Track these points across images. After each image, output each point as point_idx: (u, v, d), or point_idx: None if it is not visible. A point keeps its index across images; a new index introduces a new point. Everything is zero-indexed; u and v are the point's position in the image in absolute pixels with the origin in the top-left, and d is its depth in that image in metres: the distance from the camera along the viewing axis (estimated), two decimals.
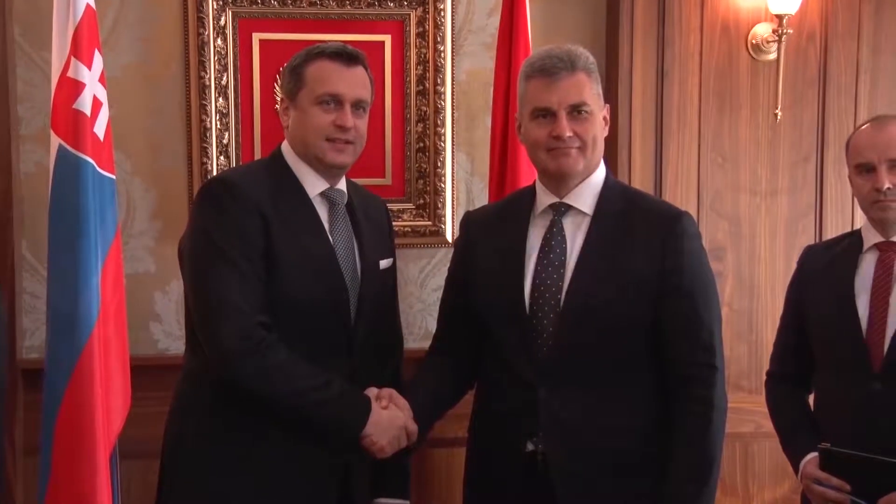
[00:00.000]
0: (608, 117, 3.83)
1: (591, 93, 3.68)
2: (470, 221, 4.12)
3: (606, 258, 3.67)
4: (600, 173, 3.80)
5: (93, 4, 4.75)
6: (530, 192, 3.91)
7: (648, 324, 3.67)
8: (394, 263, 4.07)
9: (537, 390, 3.63)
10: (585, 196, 3.75)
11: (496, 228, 3.92)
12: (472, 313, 3.90)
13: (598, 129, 3.72)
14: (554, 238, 3.73)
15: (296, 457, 3.65)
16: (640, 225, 3.72)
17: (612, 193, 3.80)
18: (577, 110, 3.63)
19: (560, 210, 3.76)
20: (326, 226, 3.79)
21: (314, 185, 3.78)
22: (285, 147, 3.85)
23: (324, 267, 3.72)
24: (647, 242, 3.67)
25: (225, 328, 3.52)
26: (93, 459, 4.68)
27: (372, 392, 3.69)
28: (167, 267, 5.34)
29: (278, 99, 3.69)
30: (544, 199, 3.80)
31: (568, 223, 3.75)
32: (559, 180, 3.73)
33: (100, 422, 4.71)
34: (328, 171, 3.78)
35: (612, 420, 3.64)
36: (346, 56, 3.73)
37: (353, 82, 3.72)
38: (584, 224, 3.73)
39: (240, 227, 3.58)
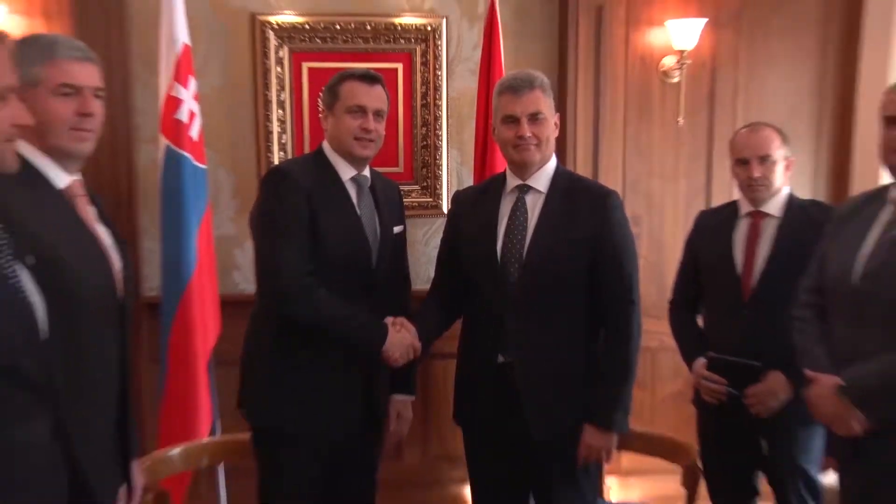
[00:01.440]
0: (558, 123, 3.92)
1: (545, 105, 3.77)
2: (458, 198, 4.21)
3: (556, 224, 3.77)
4: (552, 163, 3.89)
5: (189, 42, 5.00)
6: (502, 176, 3.97)
7: (586, 271, 3.76)
8: (404, 229, 4.08)
9: (506, 319, 3.76)
10: (541, 179, 3.83)
11: (477, 203, 3.98)
12: (459, 264, 3.98)
13: (551, 131, 3.82)
14: (518, 209, 3.83)
15: (333, 367, 3.75)
16: (580, 200, 3.81)
17: (561, 177, 3.89)
18: (534, 117, 3.73)
19: (523, 189, 3.84)
20: (355, 202, 3.82)
21: (346, 172, 3.82)
22: (325, 145, 3.87)
23: (352, 231, 3.78)
24: (586, 213, 3.77)
25: (282, 277, 3.65)
26: (194, 366, 5.01)
27: (388, 320, 3.77)
28: (243, 231, 5.39)
29: (320, 110, 3.82)
30: (512, 181, 3.88)
31: (528, 199, 3.84)
32: (522, 168, 3.81)
33: (198, 339, 5.03)
34: (356, 161, 3.83)
35: (559, 339, 3.77)
36: (369, 78, 3.80)
37: (374, 97, 3.77)
38: (540, 200, 3.82)
39: (291, 205, 3.67)
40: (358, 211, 3.83)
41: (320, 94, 3.86)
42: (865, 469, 3.37)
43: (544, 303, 3.77)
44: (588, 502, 3.99)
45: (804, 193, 4.95)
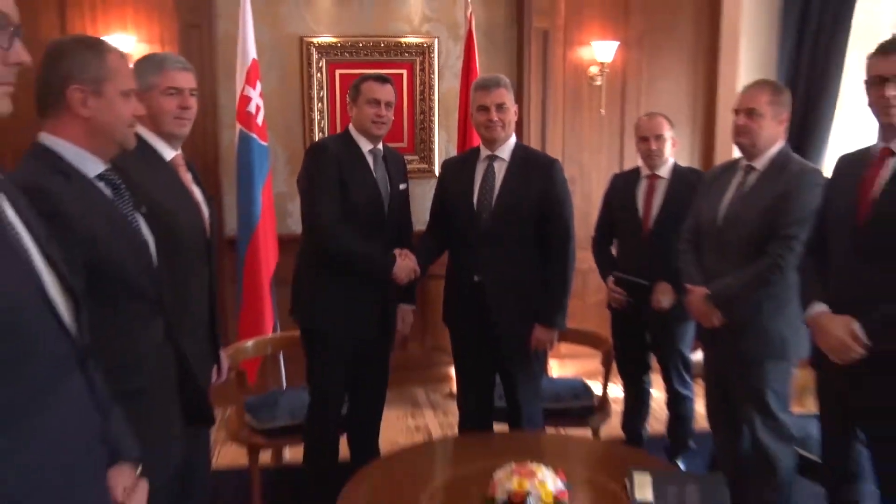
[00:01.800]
0: (517, 111, 3.84)
1: (507, 97, 3.73)
2: (445, 165, 4.16)
3: (516, 183, 3.74)
4: (512, 139, 3.82)
5: (256, 57, 5.04)
6: (477, 149, 3.92)
7: (537, 217, 3.73)
8: (407, 187, 4.00)
9: (479, 251, 3.75)
10: (505, 151, 3.78)
11: (459, 167, 3.94)
12: (446, 212, 3.93)
13: (511, 117, 3.77)
14: (489, 172, 3.80)
15: (356, 285, 3.72)
16: (533, 166, 3.79)
17: (519, 150, 3.84)
18: (500, 107, 3.70)
19: (492, 158, 3.80)
20: (371, 167, 3.78)
21: (365, 146, 3.77)
22: (351, 127, 3.81)
23: (369, 188, 3.75)
24: (537, 175, 3.75)
25: (320, 221, 3.66)
26: (261, 285, 5.06)
27: (396, 251, 3.74)
28: (293, 190, 5.20)
29: (348, 103, 3.78)
30: (484, 153, 3.83)
31: (496, 165, 3.80)
32: (491, 143, 3.78)
33: (263, 266, 5.07)
34: (373, 138, 3.78)
35: (517, 264, 3.76)
36: (382, 79, 3.76)
37: (385, 92, 3.72)
38: (504, 166, 3.78)
39: (326, 169, 3.66)
40: (374, 174, 3.79)
41: (348, 91, 3.86)
42: (720, 349, 3.50)
43: (507, 239, 3.74)
44: (537, 378, 4.03)
45: (684, 162, 4.99)
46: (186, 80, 2.98)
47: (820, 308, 2.89)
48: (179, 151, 3.02)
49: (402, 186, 3.94)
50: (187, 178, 3.02)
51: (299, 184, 3.90)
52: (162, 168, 2.90)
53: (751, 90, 3.36)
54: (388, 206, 3.84)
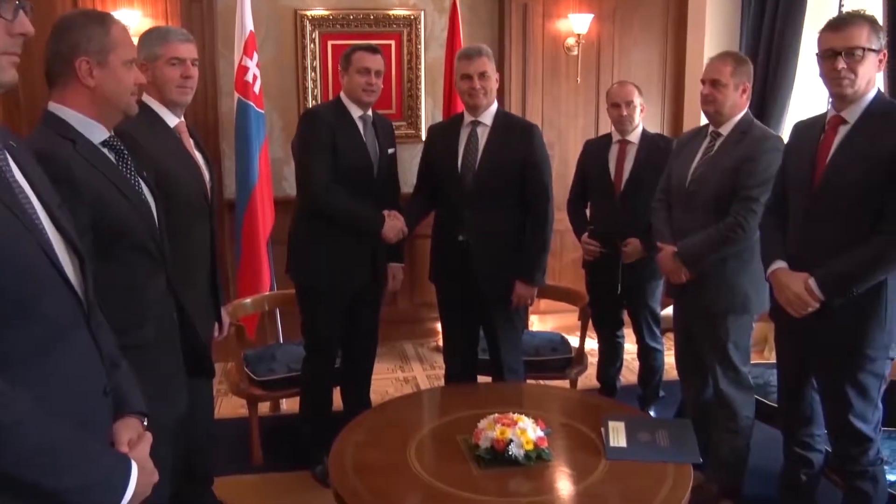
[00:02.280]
0: (498, 79, 3.82)
1: (489, 66, 3.70)
2: (431, 130, 4.14)
3: (497, 147, 3.73)
4: (494, 106, 3.80)
5: (253, 29, 4.99)
6: (461, 115, 3.89)
7: (519, 178, 3.73)
8: (395, 151, 3.97)
9: (463, 211, 3.75)
10: (487, 117, 3.76)
11: (444, 132, 3.93)
12: (432, 175, 3.94)
13: (493, 84, 3.74)
14: (472, 137, 3.78)
15: (348, 243, 3.72)
16: (513, 131, 3.78)
17: (501, 116, 3.82)
18: (482, 75, 3.67)
19: (475, 124, 3.77)
20: (361, 132, 3.74)
21: (356, 112, 3.73)
22: (342, 94, 3.77)
23: (359, 152, 3.72)
24: (517, 139, 3.74)
25: (313, 182, 3.66)
26: (259, 244, 5.03)
27: (385, 212, 3.71)
28: (288, 155, 5.23)
29: (340, 71, 3.73)
30: (467, 118, 3.80)
31: (479, 130, 3.77)
32: (474, 109, 3.75)
33: (260, 226, 5.04)
34: (363, 105, 3.73)
35: (499, 224, 3.75)
36: (371, 49, 3.72)
37: (375, 62, 3.68)
38: (487, 131, 3.76)
39: (318, 134, 3.65)
40: (364, 138, 3.76)
41: (339, 61, 3.83)
42: (687, 303, 3.53)
43: (489, 200, 3.73)
44: (518, 332, 4.05)
45: (653, 128, 5.00)
46: (188, 50, 3.01)
47: (779, 265, 2.93)
48: (182, 119, 3.05)
49: (390, 151, 3.92)
50: (190, 143, 3.07)
51: (293, 148, 3.91)
52: (166, 134, 2.95)
53: (715, 62, 3.39)
54: (377, 169, 3.81)
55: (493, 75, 3.77)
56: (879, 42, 2.70)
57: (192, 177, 2.95)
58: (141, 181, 2.28)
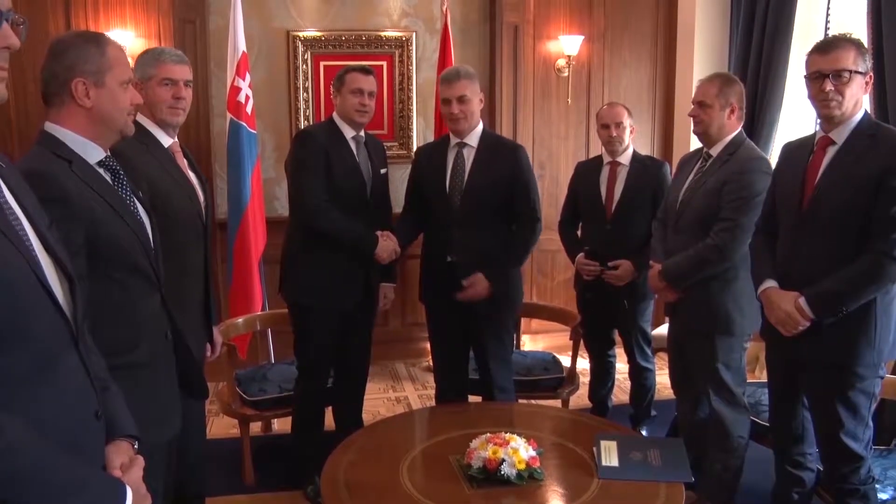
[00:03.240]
0: (482, 98, 3.80)
1: (469, 88, 3.66)
2: (419, 151, 4.13)
3: (485, 167, 3.73)
4: (480, 127, 3.79)
5: (245, 50, 5.03)
6: (447, 137, 3.88)
7: (506, 198, 3.74)
8: (387, 171, 3.98)
9: (452, 230, 3.74)
10: (473, 138, 3.75)
11: (432, 154, 3.92)
12: (420, 195, 3.93)
13: (475, 106, 3.71)
14: (459, 158, 3.78)
15: (341, 263, 3.71)
16: (499, 151, 3.78)
17: (486, 136, 3.83)
18: (460, 99, 3.65)
19: (461, 145, 3.77)
20: (354, 153, 3.74)
21: (349, 133, 3.73)
22: (335, 115, 3.77)
23: (352, 172, 3.73)
24: (503, 160, 3.75)
25: (307, 202, 3.66)
26: (251, 264, 5.06)
27: (378, 232, 3.71)
28: (280, 175, 5.25)
29: (332, 93, 3.77)
30: (454, 140, 3.79)
31: (465, 151, 3.77)
32: (458, 133, 3.75)
33: (252, 246, 5.06)
34: (356, 125, 3.74)
35: (488, 244, 3.74)
36: (365, 70, 3.73)
37: (368, 83, 3.69)
38: (473, 152, 3.76)
39: (312, 154, 3.64)
40: (357, 159, 3.77)
41: (332, 82, 3.83)
42: (678, 322, 3.56)
43: (478, 221, 3.74)
44: (508, 352, 4.04)
45: (643, 149, 5.04)
46: (181, 72, 3.03)
47: (770, 284, 2.96)
48: (176, 139, 3.06)
49: (382, 171, 3.92)
50: (184, 163, 3.07)
51: (287, 168, 3.90)
52: (161, 154, 2.96)
53: (703, 83, 3.42)
54: (370, 189, 3.81)
55: (475, 97, 3.75)
56: (865, 64, 2.75)
57: (187, 196, 2.96)
58: (136, 201, 2.28)
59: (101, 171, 2.18)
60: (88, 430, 1.55)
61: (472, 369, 4.11)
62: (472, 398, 4.11)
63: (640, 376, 4.49)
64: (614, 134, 4.25)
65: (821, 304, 2.76)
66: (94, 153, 2.16)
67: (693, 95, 3.47)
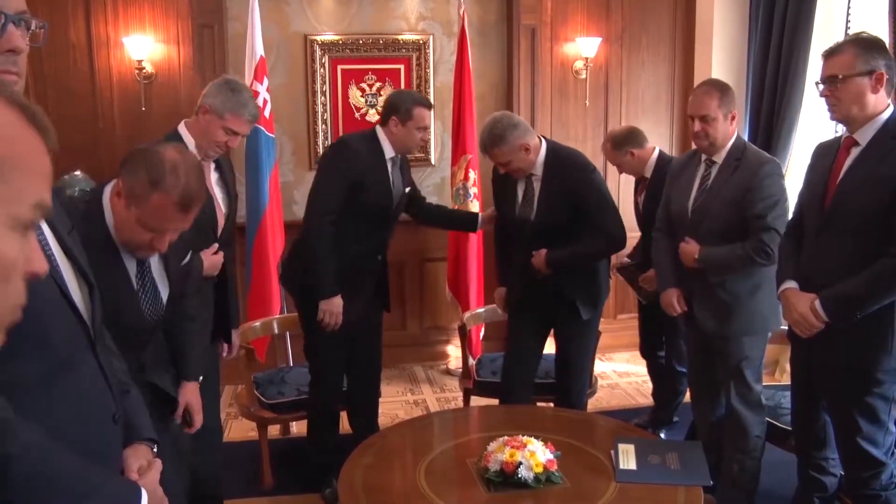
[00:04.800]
0: (529, 147, 3.60)
1: (502, 155, 3.59)
2: (495, 170, 3.89)
3: (552, 199, 3.64)
4: (541, 156, 3.67)
5: (263, 55, 5.01)
6: None
7: (576, 216, 3.62)
8: (411, 190, 3.96)
9: (530, 251, 3.71)
10: (537, 168, 3.67)
11: (504, 182, 3.83)
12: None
13: (520, 161, 3.62)
14: (528, 188, 3.70)
15: (353, 265, 3.69)
16: (563, 176, 3.63)
17: (550, 159, 3.68)
18: (503, 164, 3.65)
19: (529, 176, 3.70)
20: (390, 172, 3.71)
21: (389, 152, 3.67)
22: (379, 131, 3.70)
23: (384, 191, 3.69)
24: (568, 187, 3.61)
25: (313, 215, 3.64)
26: (269, 268, 5.02)
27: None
28: (298, 178, 5.55)
29: (392, 117, 3.65)
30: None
31: (534, 181, 3.69)
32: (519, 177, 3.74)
33: (270, 250, 5.03)
34: (408, 153, 3.84)
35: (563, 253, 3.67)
36: (429, 106, 3.74)
37: (430, 118, 3.74)
38: (539, 182, 3.68)
39: (347, 167, 3.60)
40: (390, 178, 3.73)
41: (393, 105, 3.72)
42: (703, 323, 3.45)
43: (553, 236, 3.68)
44: (591, 355, 4.07)
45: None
46: (247, 129, 3.17)
47: (790, 285, 2.95)
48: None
49: (407, 190, 3.92)
50: (212, 178, 3.12)
51: (318, 166, 3.87)
52: None
53: (701, 97, 3.33)
54: (395, 205, 3.81)
55: (514, 154, 3.60)
56: (874, 63, 2.69)
57: (205, 211, 2.97)
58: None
59: None
60: (105, 434, 1.56)
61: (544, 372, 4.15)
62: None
63: (676, 380, 4.49)
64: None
65: (833, 307, 2.75)
66: None
67: (690, 109, 3.38)
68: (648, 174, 4.27)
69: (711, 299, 3.37)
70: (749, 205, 3.21)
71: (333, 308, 3.63)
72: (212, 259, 3.15)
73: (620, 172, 4.34)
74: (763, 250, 3.18)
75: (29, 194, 0.93)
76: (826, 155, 2.94)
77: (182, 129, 3.07)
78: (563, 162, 3.73)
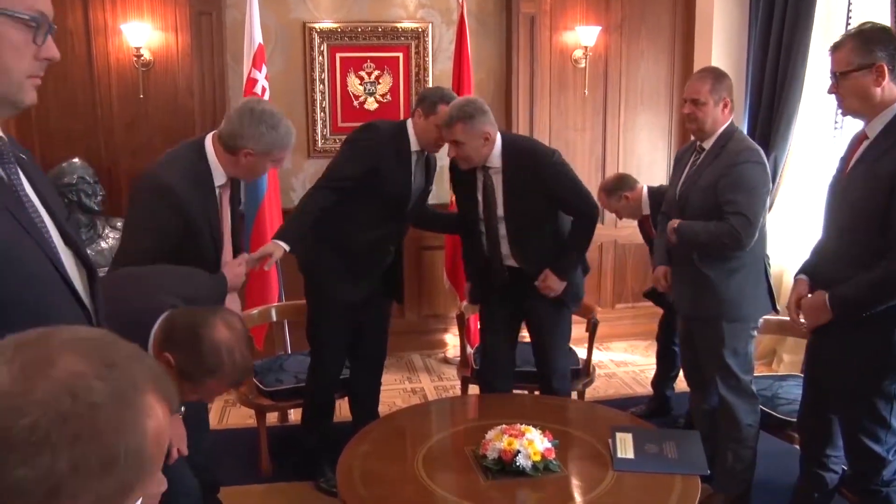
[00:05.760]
0: (490, 135, 3.51)
1: (463, 132, 3.45)
2: (453, 163, 3.74)
3: (518, 190, 3.59)
4: (497, 146, 3.58)
5: (262, 42, 4.97)
6: None
7: (548, 204, 3.60)
8: (431, 189, 3.94)
9: (494, 247, 3.69)
10: (495, 160, 3.59)
11: (462, 177, 3.73)
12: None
13: (472, 148, 3.50)
14: (487, 185, 3.63)
15: (362, 252, 3.70)
16: (525, 168, 3.56)
17: (508, 152, 3.61)
18: (456, 144, 3.48)
19: (486, 169, 3.61)
20: (413, 166, 3.67)
21: (415, 146, 3.63)
22: (409, 124, 3.67)
23: (403, 183, 3.65)
24: (534, 176, 3.55)
25: (322, 183, 3.61)
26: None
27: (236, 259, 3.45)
28: (297, 167, 5.55)
29: (418, 108, 3.64)
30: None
31: (493, 174, 3.60)
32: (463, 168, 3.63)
33: (269, 237, 4.83)
34: (429, 149, 3.70)
35: (542, 244, 3.67)
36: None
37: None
38: (500, 176, 3.60)
39: (356, 158, 3.58)
40: (412, 172, 3.70)
41: (421, 98, 3.68)
42: (683, 307, 3.56)
43: (520, 236, 3.68)
44: (567, 339, 4.00)
45: (661, 141, 5.07)
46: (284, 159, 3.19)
47: (799, 276, 3.00)
48: (227, 179, 3.09)
49: (429, 188, 3.91)
50: (226, 199, 3.10)
51: (342, 145, 3.79)
52: (208, 193, 2.97)
53: (694, 82, 3.40)
54: (413, 202, 3.78)
55: (472, 140, 3.51)
56: (875, 55, 2.63)
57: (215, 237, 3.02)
58: None
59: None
60: None
61: (524, 361, 4.11)
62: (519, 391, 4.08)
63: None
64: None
65: (841, 308, 2.74)
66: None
67: (685, 92, 3.46)
68: (647, 211, 4.30)
69: (687, 278, 3.44)
70: (721, 190, 3.24)
71: (270, 249, 3.49)
72: (236, 271, 3.09)
73: (620, 218, 4.38)
74: (731, 234, 3.19)
75: (158, 469, 0.97)
76: (847, 148, 2.90)
77: (210, 150, 2.97)
78: (525, 154, 3.68)
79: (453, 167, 3.80)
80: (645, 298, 4.58)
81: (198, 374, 2.09)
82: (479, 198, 3.68)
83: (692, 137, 3.53)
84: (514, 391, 3.97)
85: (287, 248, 3.47)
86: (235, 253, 3.24)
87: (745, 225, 3.17)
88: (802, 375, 3.28)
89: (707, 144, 3.39)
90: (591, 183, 5.78)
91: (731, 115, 3.40)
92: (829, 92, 2.78)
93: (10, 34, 1.44)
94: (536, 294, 3.72)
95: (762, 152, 3.34)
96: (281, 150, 3.03)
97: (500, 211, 3.65)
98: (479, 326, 4.13)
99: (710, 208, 3.27)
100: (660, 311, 4.64)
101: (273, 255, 3.46)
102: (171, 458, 2.56)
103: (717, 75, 3.38)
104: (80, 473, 0.83)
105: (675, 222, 3.38)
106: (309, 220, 3.57)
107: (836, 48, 2.73)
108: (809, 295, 2.91)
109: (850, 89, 2.69)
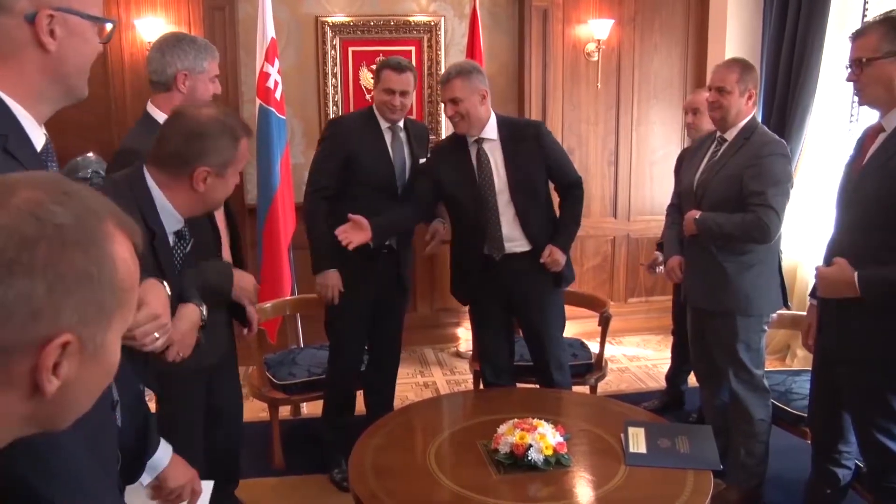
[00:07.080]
0: (486, 93, 3.57)
1: (461, 89, 3.50)
2: (435, 152, 3.91)
3: (518, 159, 3.61)
4: (493, 119, 3.63)
5: (275, 36, 4.96)
6: (459, 135, 3.69)
7: (546, 176, 3.67)
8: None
9: (489, 225, 3.64)
10: (490, 132, 3.62)
11: (451, 152, 3.74)
12: (439, 193, 3.77)
13: (471, 105, 3.52)
14: (482, 157, 3.63)
15: (370, 255, 3.69)
16: (523, 136, 3.63)
17: (504, 125, 3.65)
18: (453, 101, 3.51)
19: (480, 142, 3.62)
20: (388, 142, 3.73)
21: (384, 123, 3.71)
22: (375, 106, 3.75)
23: (381, 161, 3.71)
24: (530, 144, 3.60)
25: (310, 188, 3.79)
26: (280, 249, 4.97)
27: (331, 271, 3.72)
28: (310, 161, 5.41)
29: (374, 82, 3.76)
30: (470, 138, 3.64)
31: (487, 147, 3.62)
32: (467, 132, 3.62)
33: (281, 231, 4.97)
34: (388, 120, 3.70)
35: (533, 223, 3.64)
36: (399, 67, 3.67)
37: (401, 82, 3.64)
38: (497, 146, 3.62)
39: (333, 144, 3.70)
40: (389, 149, 3.74)
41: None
42: (695, 300, 3.56)
43: (519, 209, 3.65)
44: (562, 330, 3.97)
45: (674, 134, 5.06)
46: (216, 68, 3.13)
47: (813, 302, 3.07)
48: None
49: (422, 160, 3.88)
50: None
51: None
52: None
53: (721, 69, 3.42)
54: (406, 178, 3.79)
55: (472, 94, 3.56)
56: None
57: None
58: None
59: (172, 237, 2.32)
60: (104, 421, 1.56)
61: (519, 356, 4.09)
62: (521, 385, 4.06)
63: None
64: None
65: (866, 286, 2.64)
66: (174, 223, 2.31)
67: (710, 80, 3.48)
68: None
69: (702, 271, 3.43)
70: (748, 180, 3.23)
71: (328, 281, 3.70)
72: (247, 279, 3.10)
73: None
74: (760, 227, 3.19)
75: (133, 308, 1.02)
76: (862, 140, 2.87)
77: (153, 109, 2.99)
78: (522, 124, 3.90)
79: (437, 150, 3.92)
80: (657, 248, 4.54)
81: (228, 150, 2.28)
82: (476, 173, 3.65)
83: (689, 139, 3.52)
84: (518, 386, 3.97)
85: (333, 270, 3.71)
86: (234, 259, 3.33)
87: (774, 218, 3.18)
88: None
89: (729, 135, 3.39)
90: (605, 177, 5.81)
91: (754, 108, 3.41)
92: (849, 80, 2.73)
93: (92, 37, 1.53)
94: (523, 285, 3.73)
95: (787, 146, 3.34)
96: (213, 60, 3.05)
97: (498, 184, 3.63)
98: (472, 326, 4.11)
99: (732, 198, 3.27)
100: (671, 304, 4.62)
101: (334, 285, 3.71)
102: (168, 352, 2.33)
103: (745, 66, 3.40)
104: (57, 291, 0.86)
105: (695, 213, 3.37)
106: (327, 235, 3.60)
107: (859, 35, 2.69)
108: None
109: (874, 77, 2.64)
